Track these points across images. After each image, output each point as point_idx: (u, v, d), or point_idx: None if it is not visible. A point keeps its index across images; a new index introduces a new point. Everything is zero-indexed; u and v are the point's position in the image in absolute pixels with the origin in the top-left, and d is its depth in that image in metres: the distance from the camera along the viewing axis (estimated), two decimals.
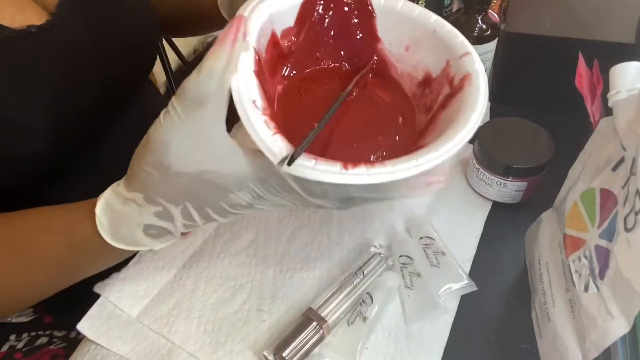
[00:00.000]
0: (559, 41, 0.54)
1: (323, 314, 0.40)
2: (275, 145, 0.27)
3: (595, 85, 0.39)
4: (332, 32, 0.38)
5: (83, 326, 0.42)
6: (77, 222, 0.35)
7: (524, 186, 0.48)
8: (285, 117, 0.31)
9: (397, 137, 0.36)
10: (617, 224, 0.31)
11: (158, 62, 1.46)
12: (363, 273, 0.43)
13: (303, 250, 0.47)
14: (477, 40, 0.56)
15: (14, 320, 0.54)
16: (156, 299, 0.44)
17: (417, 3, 0.62)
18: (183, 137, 0.28)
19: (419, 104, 0.38)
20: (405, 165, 0.28)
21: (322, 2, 0.36)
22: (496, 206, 0.50)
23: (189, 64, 1.56)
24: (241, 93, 0.28)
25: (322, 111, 0.32)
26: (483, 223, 0.49)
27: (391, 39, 0.38)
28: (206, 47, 1.89)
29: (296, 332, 0.39)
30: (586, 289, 0.33)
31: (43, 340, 0.53)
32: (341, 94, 0.34)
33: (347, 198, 0.31)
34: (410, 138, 0.36)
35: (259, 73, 0.30)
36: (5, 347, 0.51)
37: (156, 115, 0.30)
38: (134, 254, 0.47)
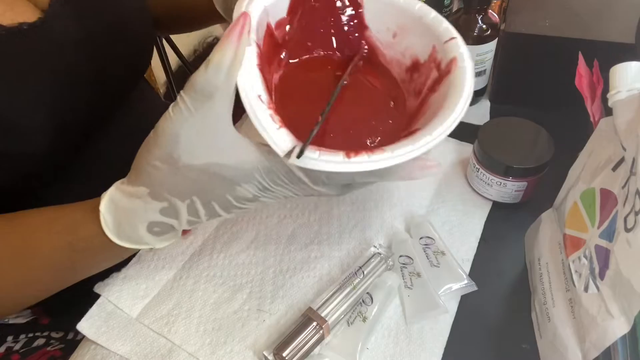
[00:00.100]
0: (559, 41, 0.54)
1: (323, 314, 0.40)
2: (281, 138, 0.28)
3: (595, 85, 0.39)
4: (322, 22, 0.39)
5: (83, 326, 0.42)
6: (79, 221, 0.35)
7: (524, 186, 0.48)
8: (283, 106, 0.32)
9: (390, 121, 0.37)
10: (617, 224, 0.31)
11: (158, 62, 1.46)
12: (363, 273, 0.43)
13: (303, 250, 0.47)
14: (477, 40, 0.56)
15: (11, 322, 0.54)
16: (156, 299, 0.44)
17: None
18: (192, 130, 0.29)
19: (409, 88, 0.39)
20: (403, 150, 0.29)
21: None
22: (496, 206, 0.50)
23: (189, 64, 1.56)
24: (247, 88, 0.29)
25: (318, 98, 0.34)
26: (483, 223, 0.49)
27: (379, 26, 0.39)
28: (206, 47, 1.89)
29: (296, 332, 0.39)
30: (586, 289, 0.33)
31: (40, 341, 0.53)
32: (338, 83, 0.36)
33: (348, 184, 0.33)
34: (402, 121, 0.37)
35: (261, 67, 0.31)
36: (2, 349, 0.51)
37: (153, 113, 0.30)
38: (134, 254, 0.47)
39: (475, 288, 0.43)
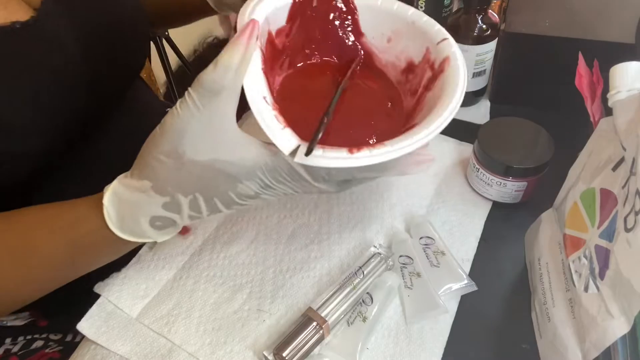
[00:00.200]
0: (559, 41, 0.54)
1: (323, 314, 0.40)
2: (285, 137, 0.30)
3: (595, 85, 0.39)
4: (319, 30, 0.40)
5: (83, 326, 0.42)
6: (82, 216, 0.35)
7: (524, 186, 0.48)
8: (284, 109, 0.33)
9: (388, 121, 0.39)
10: (617, 224, 0.31)
11: (158, 62, 1.46)
12: (363, 273, 0.43)
13: (303, 250, 0.47)
14: (477, 40, 0.56)
15: (9, 324, 0.54)
16: (156, 299, 0.44)
17: (417, 4, 0.62)
18: (198, 126, 0.29)
19: (404, 89, 0.41)
20: (403, 144, 0.31)
21: (310, 1, 0.38)
22: (496, 206, 0.50)
23: (189, 64, 1.57)
24: (253, 89, 0.30)
25: (318, 101, 0.36)
26: (483, 223, 0.49)
27: (374, 33, 0.41)
28: (206, 47, 1.89)
29: (296, 332, 0.39)
30: (586, 289, 0.33)
31: (39, 343, 0.53)
32: (337, 87, 0.37)
33: (346, 180, 0.33)
34: (400, 120, 0.39)
35: (265, 71, 0.32)
36: (0, 351, 0.51)
37: (150, 113, 0.30)
38: (134, 254, 0.47)
39: (475, 288, 0.43)
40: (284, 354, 0.38)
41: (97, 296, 0.44)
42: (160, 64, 1.46)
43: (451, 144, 0.57)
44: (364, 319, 0.40)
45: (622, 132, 0.33)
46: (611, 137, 0.35)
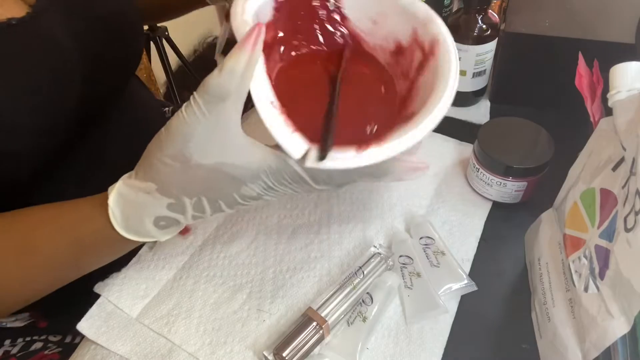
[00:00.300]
0: (559, 41, 0.54)
1: (323, 314, 0.40)
2: (295, 142, 0.30)
3: (595, 85, 0.39)
4: (305, 19, 0.40)
5: (83, 326, 0.42)
6: (86, 216, 0.35)
7: (524, 186, 0.48)
8: (290, 110, 0.33)
9: (384, 107, 0.39)
10: (617, 224, 0.31)
11: (158, 62, 1.46)
12: (363, 273, 0.43)
13: (303, 250, 0.47)
14: (477, 40, 0.56)
15: (9, 325, 0.54)
16: (156, 299, 0.44)
17: None
18: (204, 130, 0.30)
19: (396, 72, 0.40)
20: (409, 134, 0.31)
21: None
22: (496, 206, 0.50)
23: (189, 64, 1.57)
24: (260, 95, 0.30)
25: (318, 94, 0.36)
26: (483, 223, 0.49)
27: (359, 16, 0.41)
28: (206, 47, 1.89)
29: (296, 332, 0.39)
30: (586, 289, 0.33)
31: (38, 345, 0.52)
32: (337, 80, 0.37)
33: (347, 182, 0.34)
34: (394, 105, 0.39)
35: (267, 72, 0.32)
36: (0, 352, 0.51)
37: (148, 111, 0.30)
38: (134, 254, 0.47)
39: (475, 288, 0.43)
40: (284, 354, 0.38)
41: (97, 296, 0.44)
42: (160, 64, 1.46)
43: (451, 144, 0.57)
44: (364, 319, 0.40)
45: (622, 132, 0.33)
46: (611, 137, 0.35)
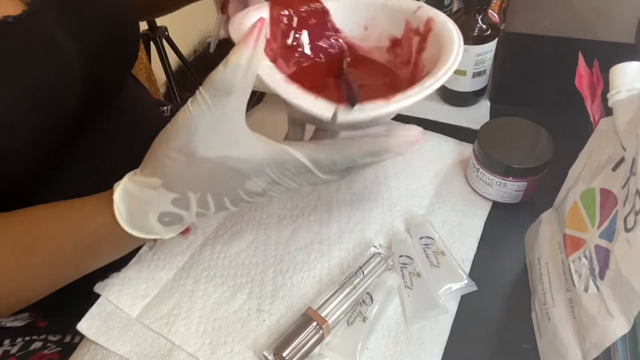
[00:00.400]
0: (559, 41, 0.54)
1: (323, 314, 0.40)
2: (322, 105, 0.31)
3: (595, 85, 0.39)
4: (300, 34, 0.41)
5: (83, 326, 0.42)
6: (89, 214, 0.35)
7: (524, 186, 0.48)
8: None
9: (394, 89, 0.39)
10: (617, 224, 0.31)
11: (158, 62, 1.46)
12: (363, 273, 0.43)
13: (303, 250, 0.47)
14: (477, 40, 0.56)
15: (8, 325, 0.54)
16: (156, 299, 0.44)
17: None
18: (209, 124, 0.30)
19: (396, 63, 0.42)
20: (429, 82, 0.32)
21: (284, 11, 0.40)
22: (496, 206, 0.50)
23: (189, 64, 1.57)
24: (271, 75, 0.31)
25: (327, 88, 0.38)
26: (483, 223, 0.49)
27: (350, 26, 0.42)
28: (206, 47, 1.89)
29: (296, 332, 0.39)
30: (586, 289, 0.33)
31: (37, 344, 0.52)
32: (342, 74, 0.39)
33: (348, 168, 0.34)
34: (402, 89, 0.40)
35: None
36: None
37: (145, 110, 0.30)
38: (134, 254, 0.47)
39: (475, 288, 0.43)
40: (284, 354, 0.38)
41: (97, 296, 0.44)
42: (160, 64, 1.46)
43: (451, 144, 0.57)
44: (364, 319, 0.40)
45: (622, 132, 0.33)
46: (611, 137, 0.35)
